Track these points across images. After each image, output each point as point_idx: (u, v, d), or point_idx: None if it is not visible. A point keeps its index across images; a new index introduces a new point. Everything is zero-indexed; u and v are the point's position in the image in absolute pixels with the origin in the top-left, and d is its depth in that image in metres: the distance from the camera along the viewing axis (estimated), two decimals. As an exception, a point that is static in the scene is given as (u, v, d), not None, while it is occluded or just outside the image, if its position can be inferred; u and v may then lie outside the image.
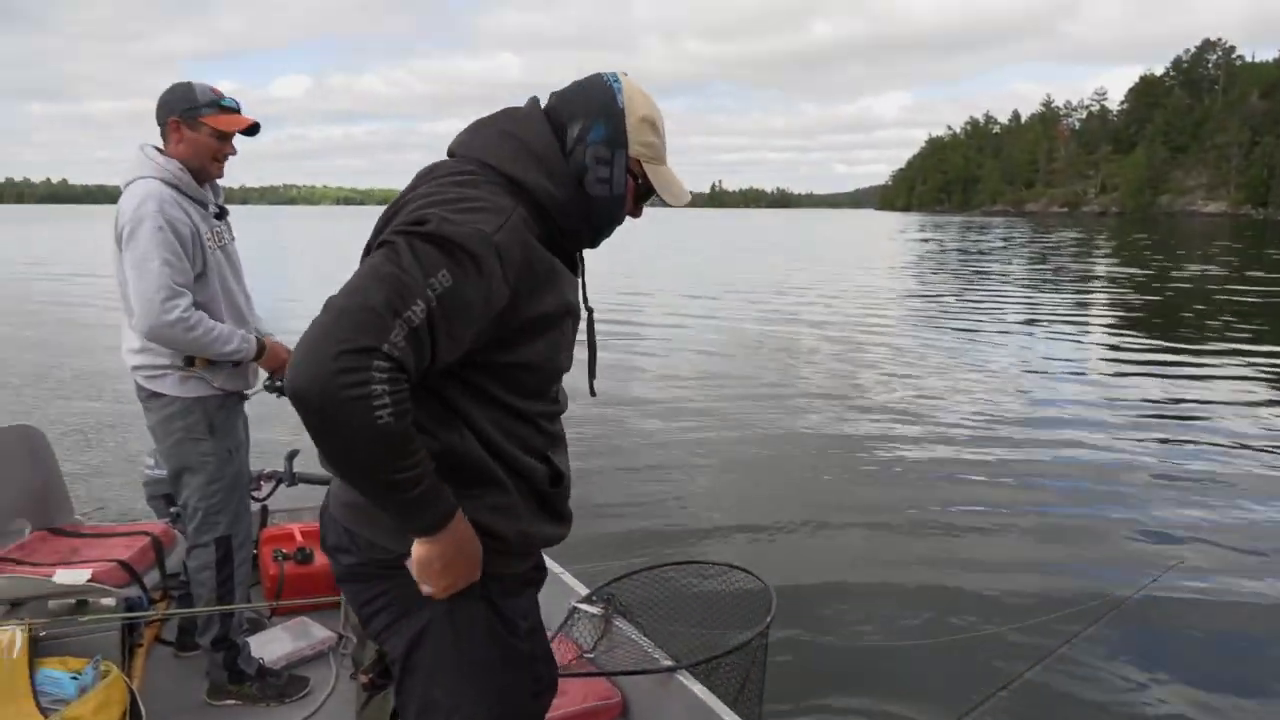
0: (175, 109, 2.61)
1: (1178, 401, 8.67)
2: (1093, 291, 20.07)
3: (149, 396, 2.68)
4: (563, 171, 1.45)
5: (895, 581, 4.57)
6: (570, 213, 1.46)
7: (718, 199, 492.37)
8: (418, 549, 1.38)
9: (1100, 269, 27.25)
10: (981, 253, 36.22)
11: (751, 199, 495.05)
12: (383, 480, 1.28)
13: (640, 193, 1.55)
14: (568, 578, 3.05)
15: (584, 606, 2.85)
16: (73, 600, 2.76)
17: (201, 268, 2.59)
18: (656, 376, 9.82)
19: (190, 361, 2.61)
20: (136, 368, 2.66)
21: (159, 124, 2.65)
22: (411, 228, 1.30)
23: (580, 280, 1.57)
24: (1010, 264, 29.19)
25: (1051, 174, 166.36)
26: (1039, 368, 10.52)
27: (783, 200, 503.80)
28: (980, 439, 7.19)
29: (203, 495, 2.70)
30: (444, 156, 1.53)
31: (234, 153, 2.71)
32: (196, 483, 2.70)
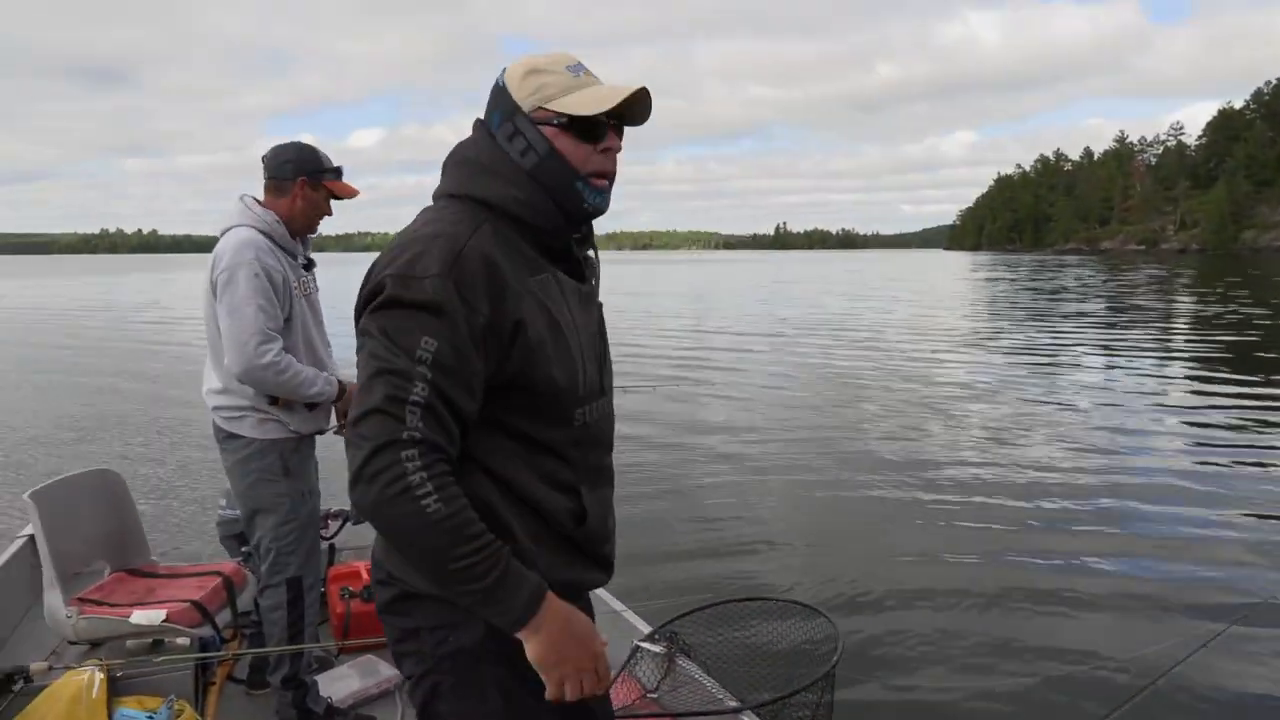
0: (305, 169, 2.75)
1: (1271, 448, 8.22)
2: (1177, 330, 19.32)
3: (227, 437, 2.76)
4: (511, 170, 1.40)
5: (965, 622, 4.41)
6: (537, 203, 1.39)
7: (782, 241, 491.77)
8: (527, 648, 1.33)
9: (1184, 307, 26.28)
10: (1055, 291, 35.29)
11: (816, 240, 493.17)
12: (452, 570, 1.25)
13: (580, 133, 1.39)
14: (630, 616, 3.01)
15: (646, 645, 2.80)
16: (149, 640, 2.82)
17: (288, 314, 2.69)
18: (722, 411, 9.75)
19: (274, 401, 2.69)
20: (217, 408, 2.75)
21: (274, 177, 2.77)
22: (375, 306, 1.31)
23: (584, 282, 1.50)
24: (1088, 302, 28.36)
25: (1127, 211, 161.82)
26: (1118, 403, 10.14)
27: (848, 241, 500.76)
28: (1056, 480, 6.92)
29: (276, 536, 2.74)
30: None
31: (332, 214, 2.87)
32: (270, 524, 2.74)
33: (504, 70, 1.45)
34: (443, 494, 1.23)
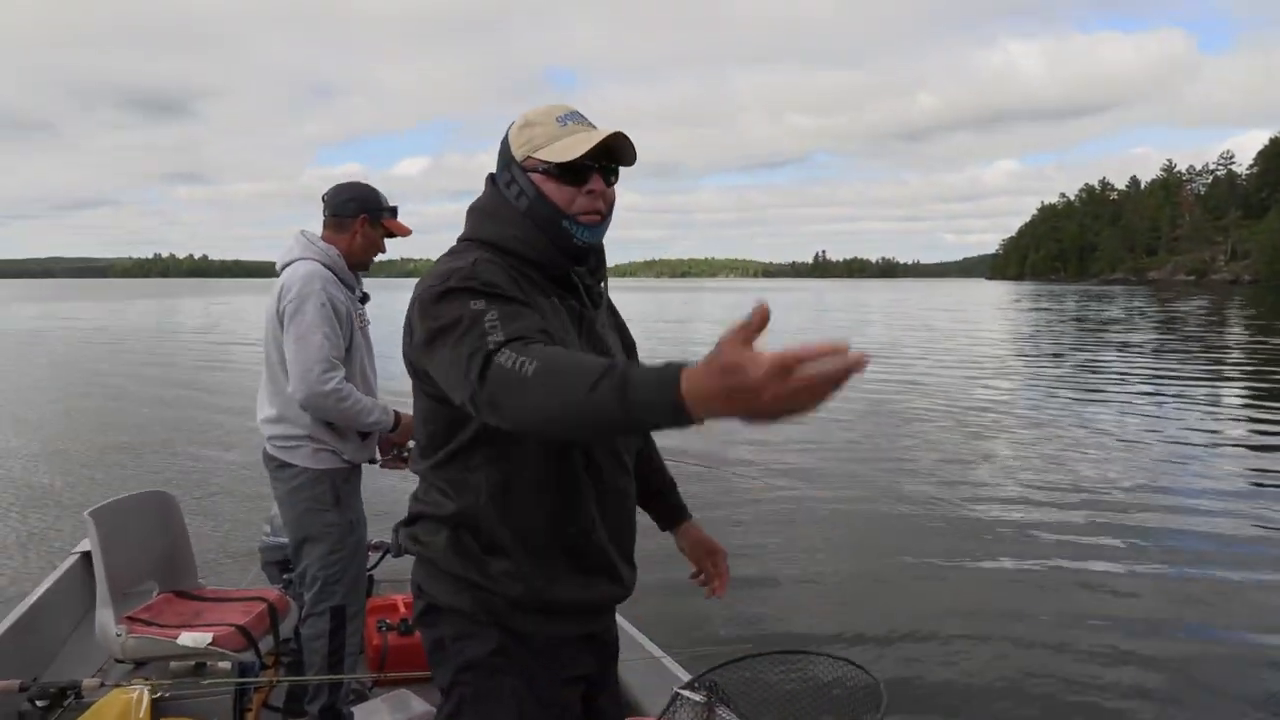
0: (367, 207, 2.88)
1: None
2: (1230, 362, 18.83)
3: (279, 466, 2.81)
4: (510, 213, 1.55)
5: (1018, 681, 4.26)
6: (532, 239, 1.53)
7: (821, 269, 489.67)
8: (699, 406, 1.04)
9: (1238, 339, 25.62)
10: (1105, 322, 34.65)
11: (856, 269, 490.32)
12: (589, 414, 1.12)
13: (564, 177, 1.50)
14: (669, 662, 2.99)
15: (686, 693, 2.77)
16: (192, 662, 2.87)
17: (349, 344, 2.78)
18: (763, 444, 9.66)
19: (331, 427, 2.76)
20: (272, 437, 2.81)
21: (336, 214, 2.88)
22: (422, 314, 1.42)
23: (587, 309, 1.60)
24: (1137, 333, 27.78)
25: (1175, 240, 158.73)
26: (1174, 438, 9.88)
27: (888, 270, 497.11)
28: (1112, 520, 6.75)
29: (323, 565, 2.78)
30: None
31: (386, 251, 2.99)
32: (318, 552, 2.78)
33: (509, 125, 1.61)
34: (537, 358, 1.20)
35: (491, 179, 1.63)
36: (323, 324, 2.67)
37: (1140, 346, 23.11)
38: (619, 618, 3.41)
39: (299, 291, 2.70)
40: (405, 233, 2.97)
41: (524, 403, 1.20)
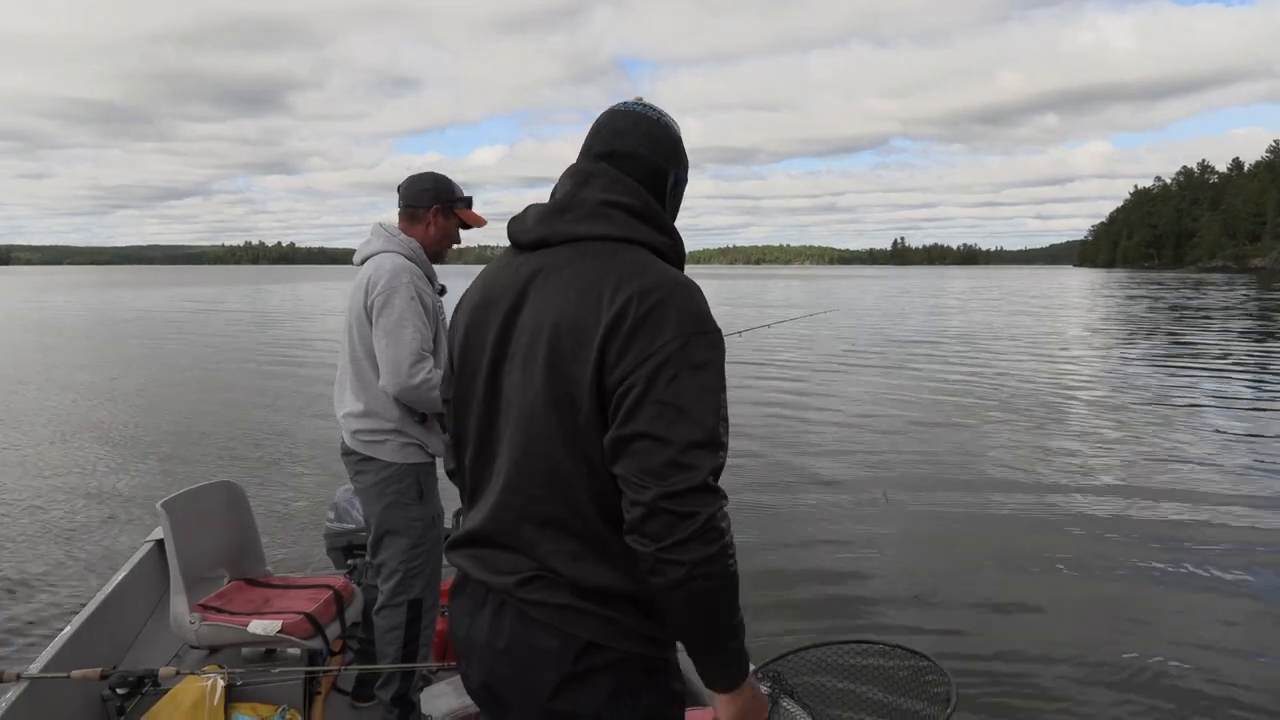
0: (441, 197, 2.87)
1: None
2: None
3: (362, 460, 2.82)
4: (668, 223, 1.46)
5: (1093, 677, 4.08)
6: (679, 257, 1.45)
7: (900, 255, 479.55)
8: (728, 707, 1.36)
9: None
10: (1223, 309, 33.02)
11: (936, 256, 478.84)
12: (734, 625, 1.31)
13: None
14: None
15: None
16: (262, 649, 2.94)
17: (434, 336, 2.77)
18: (834, 430, 9.50)
19: (423, 419, 2.77)
20: (357, 431, 2.81)
21: (411, 204, 2.87)
22: (697, 334, 1.29)
23: None
24: (1242, 323, 26.39)
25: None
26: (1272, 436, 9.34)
27: (970, 257, 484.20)
28: (1201, 516, 6.40)
29: (405, 558, 2.80)
30: None
31: (460, 242, 2.98)
32: (400, 545, 2.80)
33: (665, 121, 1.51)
34: (734, 554, 1.26)
35: (651, 174, 1.44)
36: (412, 316, 2.67)
37: (1251, 336, 21.94)
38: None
39: (386, 284, 2.69)
40: (480, 223, 2.96)
41: (699, 576, 1.22)
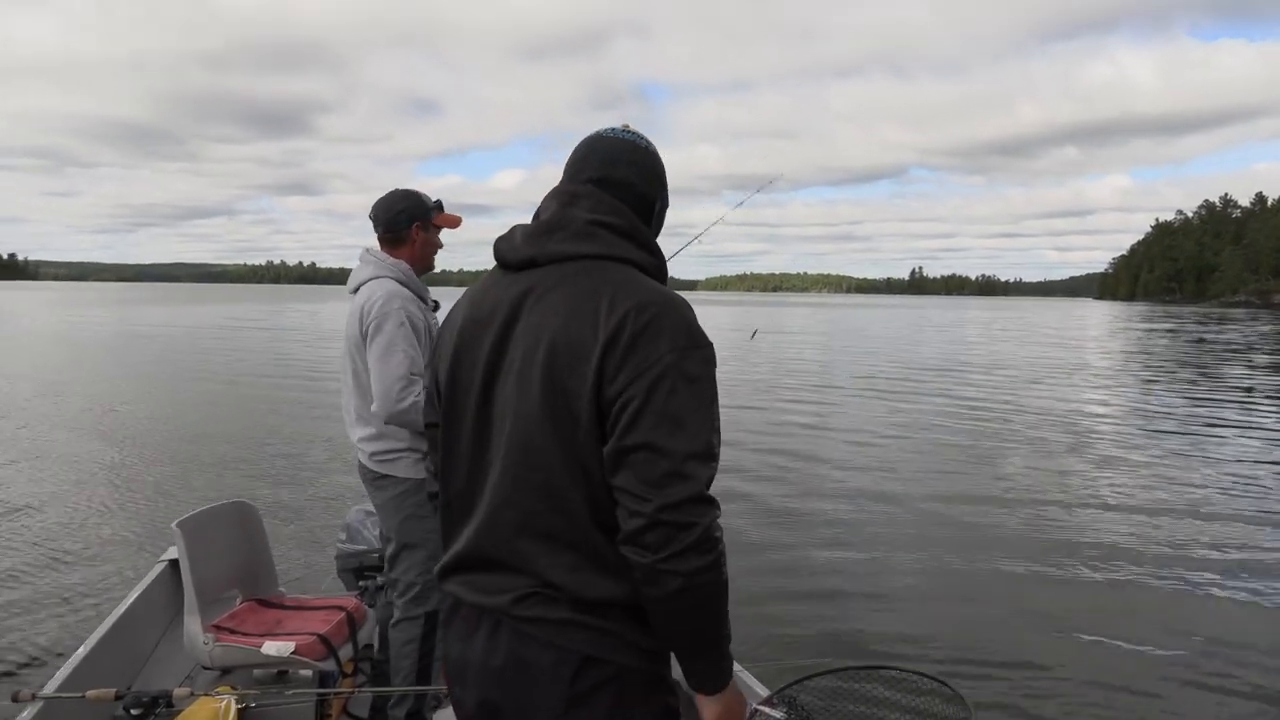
0: (418, 215, 2.92)
1: None
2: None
3: (379, 477, 2.87)
4: (649, 239, 1.49)
5: (1116, 708, 4.02)
6: (660, 274, 1.49)
7: (918, 285, 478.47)
8: (709, 708, 1.40)
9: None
10: (1244, 347, 32.66)
11: (954, 286, 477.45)
12: (705, 640, 1.34)
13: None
14: (747, 677, 2.92)
15: (765, 709, 2.68)
16: (274, 670, 2.92)
17: (428, 359, 2.78)
18: (851, 457, 9.44)
19: None
20: (372, 453, 2.87)
21: (390, 229, 2.92)
22: (691, 349, 1.32)
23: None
24: (1270, 358, 26.06)
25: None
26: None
27: (988, 288, 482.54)
28: (1226, 551, 6.28)
29: (421, 571, 2.83)
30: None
31: (443, 245, 3.04)
32: (417, 558, 2.84)
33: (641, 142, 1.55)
34: (723, 559, 1.29)
35: (638, 199, 1.48)
36: (401, 341, 2.74)
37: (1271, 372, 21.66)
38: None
39: (379, 311, 2.77)
40: (456, 222, 3.00)
41: (696, 584, 1.25)
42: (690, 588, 1.24)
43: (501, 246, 1.48)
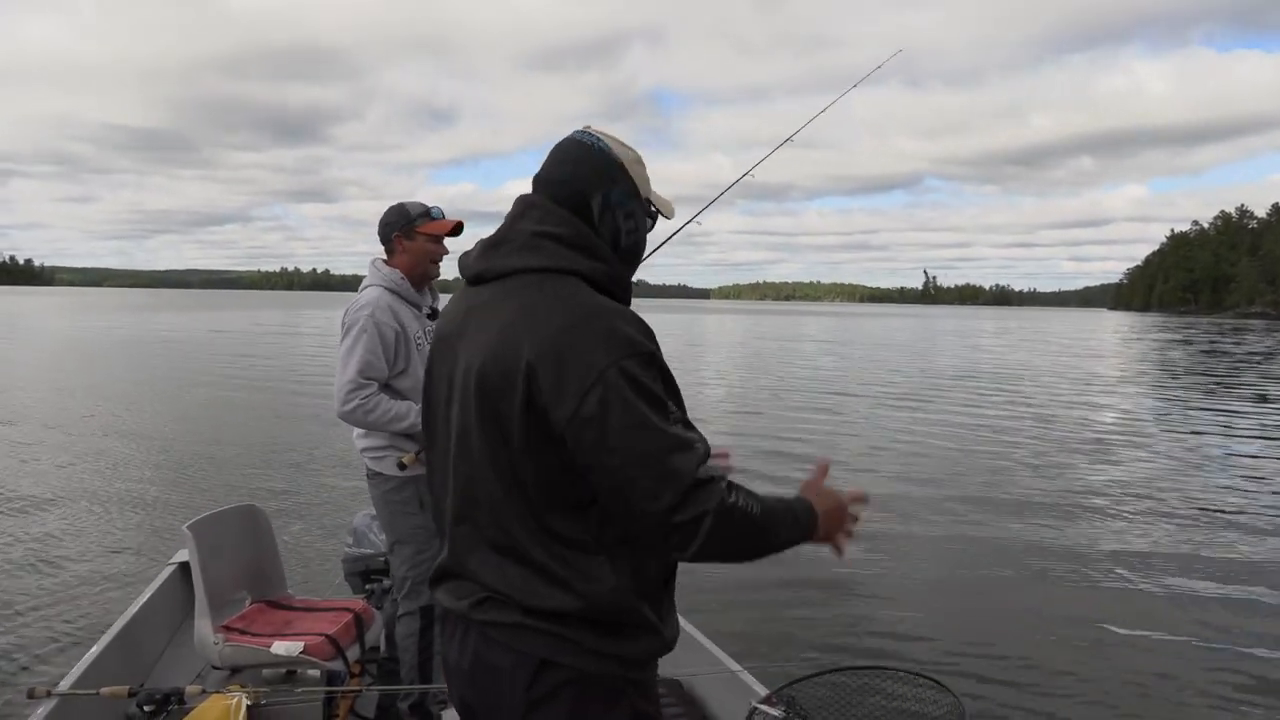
0: (396, 227, 3.00)
1: None
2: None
3: (372, 475, 3.00)
4: (599, 247, 1.44)
5: (1110, 710, 4.04)
6: (623, 281, 1.47)
7: (931, 295, 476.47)
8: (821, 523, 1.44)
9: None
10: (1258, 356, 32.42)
11: (968, 296, 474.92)
12: (766, 554, 1.36)
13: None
14: (746, 676, 2.96)
15: (764, 708, 2.72)
16: (284, 670, 2.97)
17: (405, 365, 2.91)
18: (861, 460, 9.44)
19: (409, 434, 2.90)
20: (364, 450, 2.99)
21: (383, 242, 3.04)
22: (631, 356, 1.31)
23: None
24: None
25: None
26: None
27: (1002, 298, 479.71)
28: (1231, 557, 6.27)
29: (412, 565, 2.92)
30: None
31: (447, 253, 3.06)
32: (407, 553, 2.93)
33: (602, 140, 1.48)
34: (756, 501, 1.33)
35: (574, 198, 1.43)
36: (359, 348, 2.84)
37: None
38: (696, 631, 3.38)
39: (350, 317, 2.90)
40: (445, 228, 3.02)
41: (735, 546, 1.31)
42: (732, 550, 1.32)
43: (461, 261, 1.51)
